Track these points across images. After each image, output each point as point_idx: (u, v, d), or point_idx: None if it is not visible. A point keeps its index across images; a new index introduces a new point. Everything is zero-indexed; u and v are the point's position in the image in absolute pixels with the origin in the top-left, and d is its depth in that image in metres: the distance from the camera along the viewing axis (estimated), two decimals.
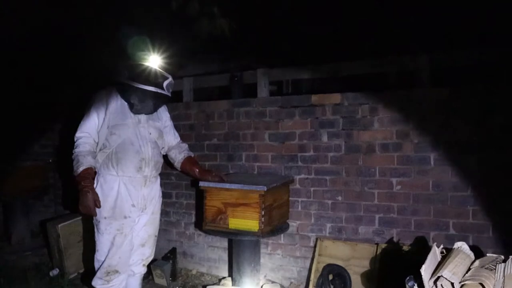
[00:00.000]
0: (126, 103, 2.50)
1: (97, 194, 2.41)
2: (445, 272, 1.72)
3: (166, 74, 2.54)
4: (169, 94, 2.58)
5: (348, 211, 3.00)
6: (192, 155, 2.88)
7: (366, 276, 2.83)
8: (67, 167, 4.48)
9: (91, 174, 2.42)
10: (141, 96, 2.47)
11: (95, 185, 2.49)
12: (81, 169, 2.38)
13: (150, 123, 2.59)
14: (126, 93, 2.48)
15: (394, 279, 2.40)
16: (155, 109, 2.59)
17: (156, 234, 2.75)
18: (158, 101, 2.56)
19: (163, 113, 2.75)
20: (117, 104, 2.50)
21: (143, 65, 2.49)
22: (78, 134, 2.47)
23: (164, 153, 2.80)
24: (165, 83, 2.52)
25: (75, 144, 2.46)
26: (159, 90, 2.49)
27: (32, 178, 4.31)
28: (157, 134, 2.63)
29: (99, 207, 2.41)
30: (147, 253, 2.71)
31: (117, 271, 2.48)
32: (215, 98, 3.92)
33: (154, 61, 2.54)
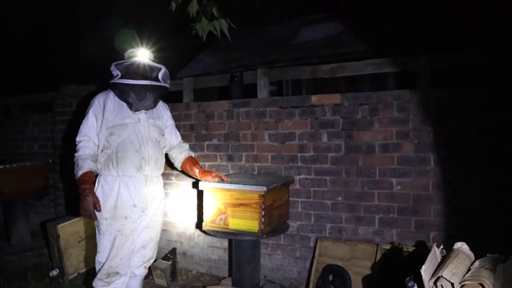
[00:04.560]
0: (124, 103, 2.50)
1: (97, 198, 2.41)
2: (445, 273, 1.72)
3: (158, 65, 2.53)
4: (167, 85, 2.58)
5: (348, 211, 3.00)
6: (193, 155, 2.88)
7: (366, 277, 2.83)
8: (67, 168, 4.49)
9: (91, 177, 2.42)
10: (138, 92, 2.47)
11: (96, 186, 2.49)
12: (80, 173, 2.39)
13: (150, 121, 2.59)
14: (123, 93, 2.47)
15: (394, 279, 2.40)
16: (155, 103, 2.58)
17: (158, 236, 2.74)
18: (156, 94, 2.55)
19: (164, 112, 2.75)
20: (115, 105, 2.50)
21: (133, 61, 2.48)
22: (78, 138, 2.48)
23: (165, 152, 2.80)
24: (160, 74, 2.51)
25: (76, 148, 2.47)
26: (155, 83, 2.49)
27: (32, 178, 4.31)
28: (157, 132, 2.63)
29: (99, 210, 2.40)
30: (148, 255, 2.70)
31: (117, 273, 2.47)
32: (215, 99, 3.92)
33: (142, 54, 2.53)
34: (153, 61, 2.56)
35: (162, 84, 2.53)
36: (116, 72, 2.45)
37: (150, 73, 2.49)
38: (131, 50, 2.55)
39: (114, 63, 2.48)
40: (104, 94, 2.54)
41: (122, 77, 2.44)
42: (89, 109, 2.51)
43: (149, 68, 2.49)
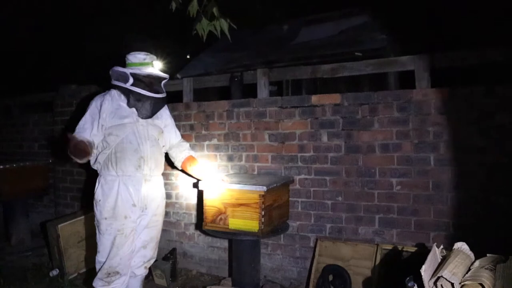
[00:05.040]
0: (123, 104, 2.52)
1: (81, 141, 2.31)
2: (445, 273, 1.72)
3: (165, 76, 2.61)
4: (165, 94, 2.67)
5: (348, 211, 3.00)
6: (193, 155, 2.88)
7: (366, 277, 2.83)
8: (67, 167, 4.49)
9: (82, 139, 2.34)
10: (145, 102, 2.53)
11: (96, 186, 2.52)
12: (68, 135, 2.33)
13: (149, 121, 2.60)
14: (133, 100, 2.51)
15: (394, 279, 2.40)
16: (154, 113, 2.63)
17: (158, 236, 2.74)
18: (160, 104, 2.63)
19: (163, 111, 2.76)
20: (112, 106, 2.51)
21: (150, 73, 2.52)
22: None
23: (165, 152, 2.80)
24: (163, 83, 2.60)
25: None
26: (162, 95, 2.59)
27: (32, 178, 4.31)
28: (156, 132, 2.64)
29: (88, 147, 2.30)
30: (149, 255, 2.70)
31: (117, 273, 2.48)
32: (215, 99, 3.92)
33: (157, 66, 2.61)
34: (160, 70, 2.64)
35: (165, 94, 2.64)
36: (129, 77, 2.48)
37: (160, 85, 2.58)
38: (143, 56, 2.57)
39: (130, 70, 2.50)
40: (101, 96, 2.56)
41: (134, 85, 2.48)
42: (87, 110, 2.53)
43: (159, 80, 2.58)
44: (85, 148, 2.33)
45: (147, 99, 2.53)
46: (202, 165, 2.89)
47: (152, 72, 2.54)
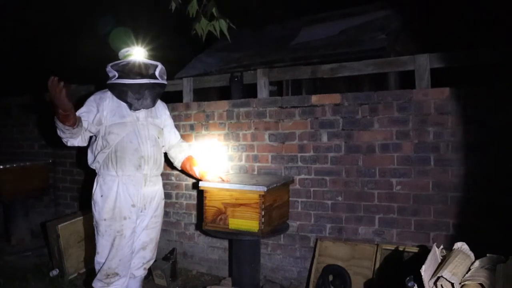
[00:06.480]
0: (122, 102, 2.50)
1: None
2: (445, 273, 1.72)
3: (154, 63, 2.50)
4: (164, 81, 2.55)
5: (348, 211, 3.00)
6: (193, 155, 2.88)
7: (366, 277, 2.82)
8: (67, 167, 4.49)
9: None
10: (137, 91, 2.44)
11: (94, 187, 2.50)
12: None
13: (149, 120, 2.59)
14: (121, 93, 2.46)
15: (394, 279, 2.40)
16: (154, 102, 2.56)
17: (158, 237, 2.73)
18: (155, 91, 2.52)
19: (162, 111, 2.74)
20: (113, 104, 2.49)
21: (129, 60, 2.45)
22: None
23: (164, 152, 2.79)
24: (156, 71, 2.48)
25: None
26: (152, 80, 2.46)
27: (32, 178, 4.31)
28: (156, 131, 2.62)
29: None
30: (148, 257, 2.69)
31: (117, 274, 2.46)
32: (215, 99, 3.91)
33: (138, 53, 2.51)
34: (148, 59, 2.54)
35: (160, 81, 2.50)
36: (112, 73, 2.43)
37: (147, 71, 2.46)
38: (126, 49, 2.53)
39: (110, 64, 2.46)
40: (102, 92, 2.54)
41: (119, 77, 2.42)
42: (84, 103, 2.49)
43: (145, 66, 2.46)
44: (73, 115, 2.23)
45: (135, 89, 2.43)
46: (202, 164, 2.88)
47: (131, 59, 2.46)
